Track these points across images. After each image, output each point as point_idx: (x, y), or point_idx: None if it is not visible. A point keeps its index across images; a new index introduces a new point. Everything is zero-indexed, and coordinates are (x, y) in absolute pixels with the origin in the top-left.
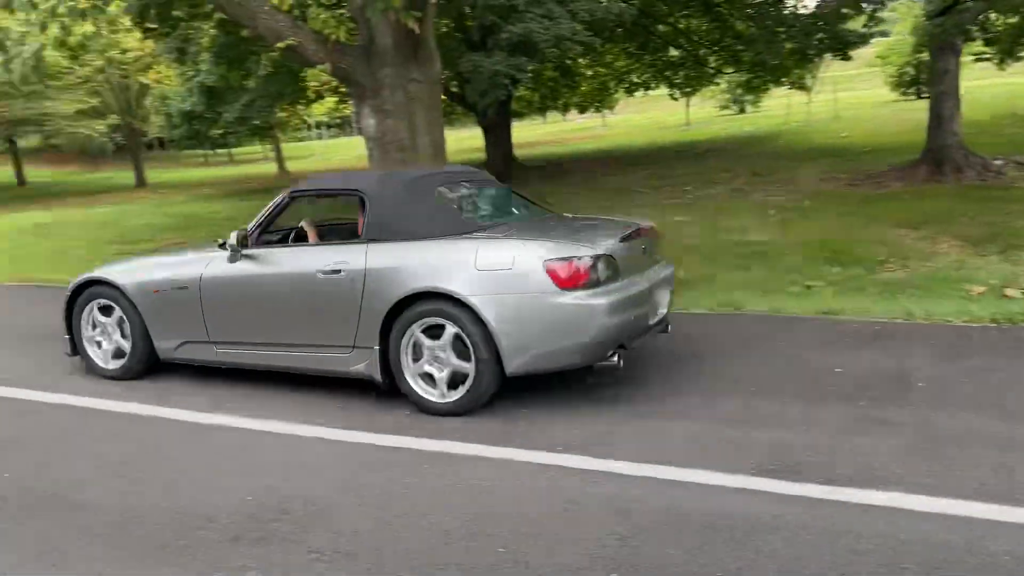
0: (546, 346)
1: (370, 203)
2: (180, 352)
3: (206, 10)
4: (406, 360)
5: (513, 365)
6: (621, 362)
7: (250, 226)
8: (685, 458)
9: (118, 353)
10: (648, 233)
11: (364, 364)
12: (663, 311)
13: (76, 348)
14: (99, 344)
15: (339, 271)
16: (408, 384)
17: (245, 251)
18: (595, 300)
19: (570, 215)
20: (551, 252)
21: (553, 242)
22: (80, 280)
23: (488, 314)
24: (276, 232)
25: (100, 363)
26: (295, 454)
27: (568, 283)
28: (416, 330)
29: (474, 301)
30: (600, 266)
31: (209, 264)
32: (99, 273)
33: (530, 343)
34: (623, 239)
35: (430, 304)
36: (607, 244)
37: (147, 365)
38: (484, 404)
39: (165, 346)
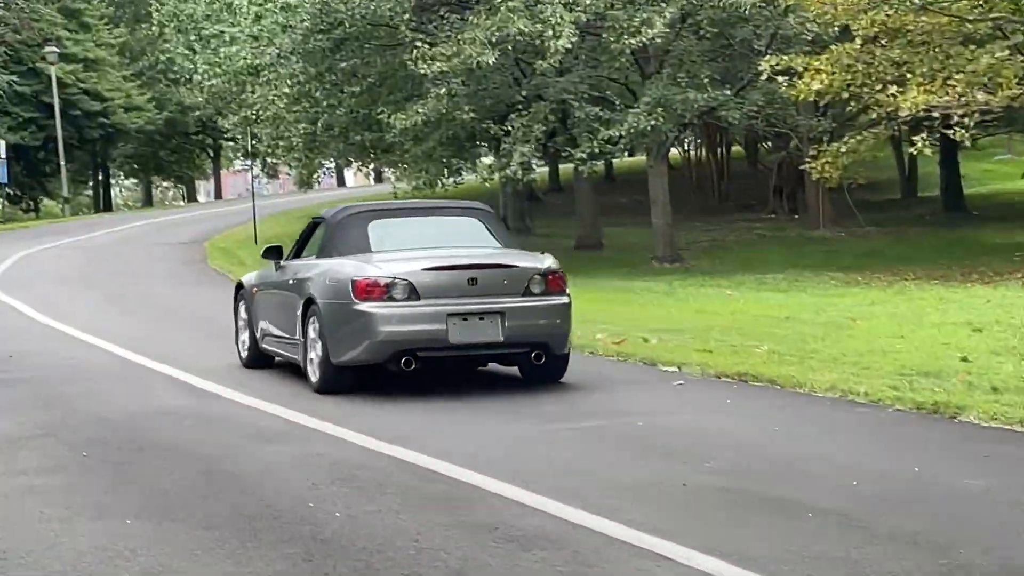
0: (351, 343)
1: (323, 230)
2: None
3: None
4: (308, 349)
5: (334, 358)
6: (413, 366)
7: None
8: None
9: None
10: (492, 267)
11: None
12: (493, 338)
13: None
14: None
15: (302, 279)
16: (305, 368)
17: (280, 263)
18: (379, 311)
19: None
20: (358, 272)
21: (369, 264)
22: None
23: (324, 315)
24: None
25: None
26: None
27: (365, 296)
28: (309, 326)
29: (320, 303)
30: (398, 285)
31: (268, 273)
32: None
33: (342, 340)
34: (427, 269)
35: (313, 306)
36: (409, 270)
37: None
38: (359, 392)
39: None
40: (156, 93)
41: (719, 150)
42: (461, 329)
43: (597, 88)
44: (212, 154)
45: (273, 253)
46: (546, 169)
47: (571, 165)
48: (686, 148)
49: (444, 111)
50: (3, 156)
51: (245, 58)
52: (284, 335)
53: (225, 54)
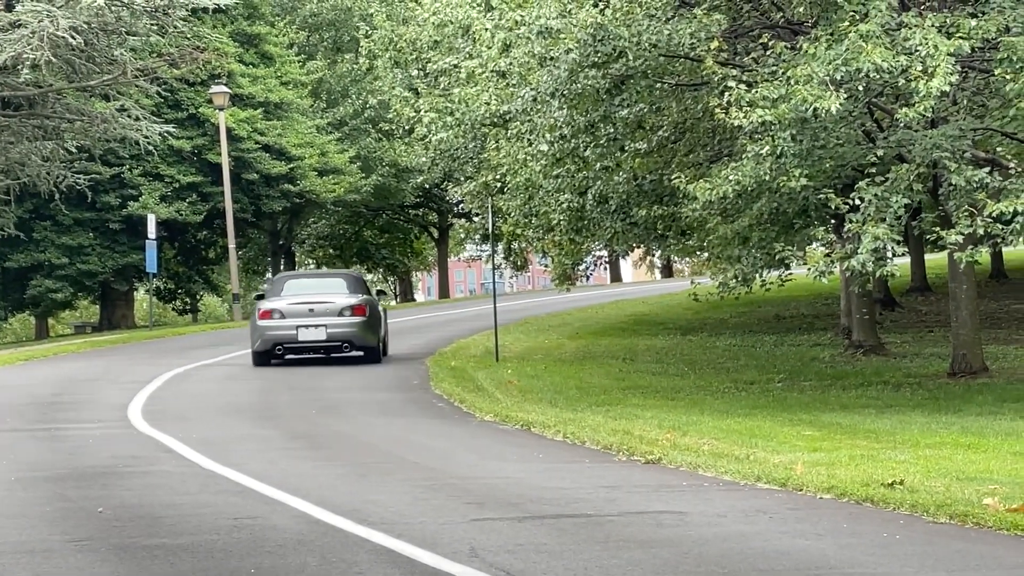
0: (256, 340)
1: (269, 285)
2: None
3: None
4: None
5: (252, 348)
6: (285, 356)
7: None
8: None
9: None
10: (321, 303)
11: None
12: (320, 338)
13: None
14: None
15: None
16: None
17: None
18: (265, 324)
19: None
20: (260, 306)
21: (266, 301)
22: None
23: (250, 326)
24: None
25: None
26: None
27: (262, 317)
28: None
29: (252, 321)
30: (276, 312)
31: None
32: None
33: (254, 339)
34: (289, 304)
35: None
36: (280, 304)
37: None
38: None
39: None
40: (362, 150)
41: None
42: (304, 333)
43: (984, 145)
44: (436, 236)
45: (261, 297)
46: (906, 260)
47: (942, 255)
48: None
49: (767, 176)
50: (152, 236)
51: (488, 103)
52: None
53: (460, 96)
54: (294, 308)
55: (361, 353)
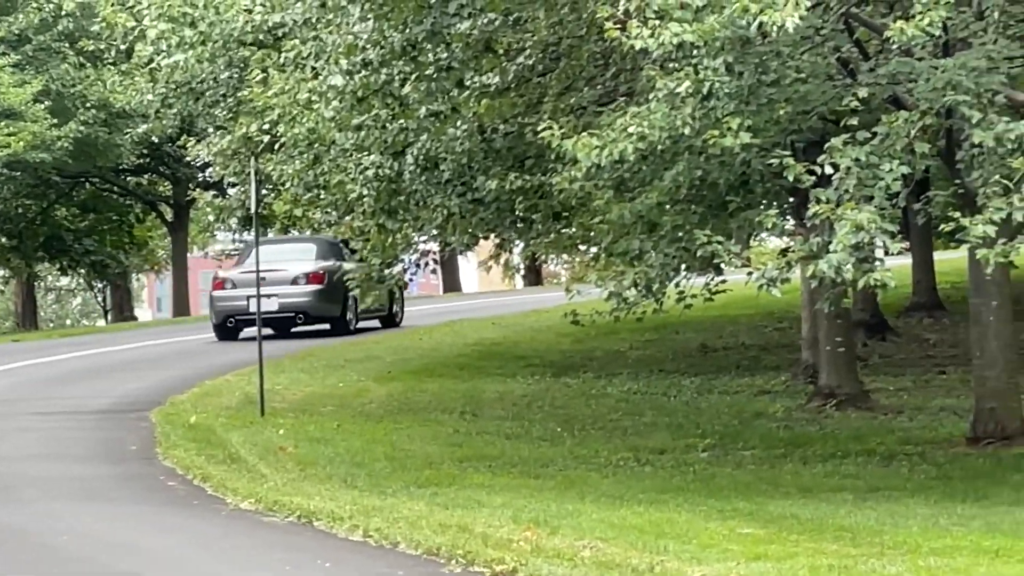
0: (212, 312)
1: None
2: None
3: None
4: None
5: (211, 321)
6: (233, 325)
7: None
8: None
9: None
10: (274, 271)
11: None
12: (272, 308)
13: None
14: None
15: None
16: None
17: None
18: (217, 295)
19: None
20: (218, 274)
21: (227, 269)
22: None
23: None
24: None
25: None
26: None
27: (215, 288)
28: None
29: None
30: (228, 282)
31: None
32: None
33: (212, 312)
34: (240, 273)
35: None
36: (232, 274)
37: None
38: None
39: None
40: (53, 83)
41: None
42: (254, 304)
43: (1022, 84)
44: (171, 218)
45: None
46: (906, 261)
47: (961, 254)
48: None
49: (686, 128)
50: None
51: (249, 8)
52: None
53: None
54: (245, 277)
55: (328, 326)
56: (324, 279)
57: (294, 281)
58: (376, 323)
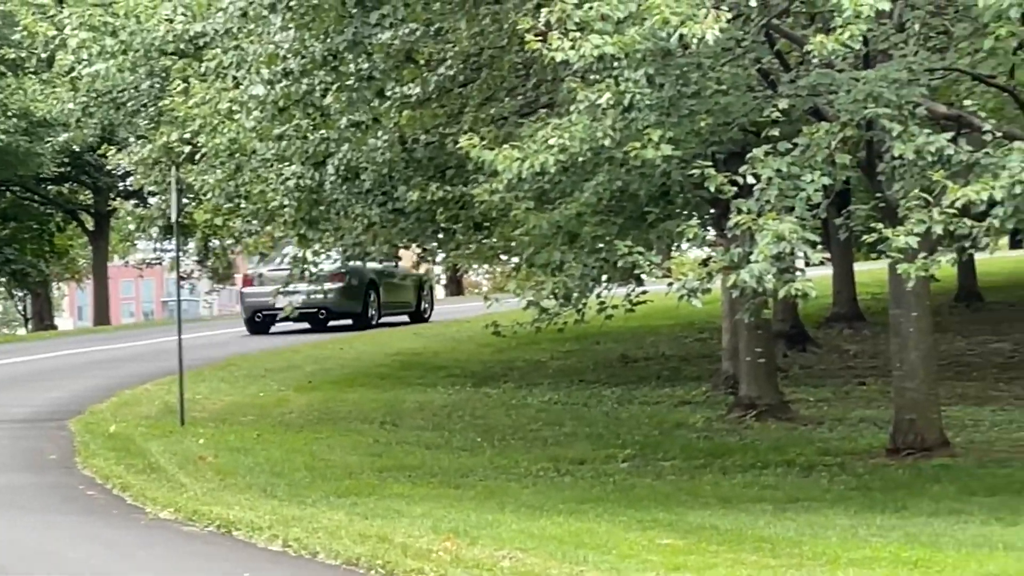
0: (242, 307)
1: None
2: None
3: None
4: None
5: (242, 316)
6: (260, 319)
7: None
8: None
9: None
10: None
11: None
12: (293, 303)
13: None
14: None
15: None
16: None
17: None
18: (246, 291)
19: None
20: (248, 271)
21: (252, 268)
22: None
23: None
24: None
25: None
26: None
27: (244, 284)
28: None
29: None
30: (257, 278)
31: None
32: None
33: (242, 307)
34: (268, 271)
35: None
36: (264, 270)
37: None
38: None
39: None
40: None
41: None
42: (281, 298)
43: (945, 95)
44: (92, 227)
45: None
46: (827, 272)
47: (883, 266)
48: None
49: (607, 140)
50: None
51: (170, 18)
52: None
53: (127, 7)
54: (273, 274)
55: (350, 321)
56: (345, 277)
57: (318, 279)
58: (405, 318)
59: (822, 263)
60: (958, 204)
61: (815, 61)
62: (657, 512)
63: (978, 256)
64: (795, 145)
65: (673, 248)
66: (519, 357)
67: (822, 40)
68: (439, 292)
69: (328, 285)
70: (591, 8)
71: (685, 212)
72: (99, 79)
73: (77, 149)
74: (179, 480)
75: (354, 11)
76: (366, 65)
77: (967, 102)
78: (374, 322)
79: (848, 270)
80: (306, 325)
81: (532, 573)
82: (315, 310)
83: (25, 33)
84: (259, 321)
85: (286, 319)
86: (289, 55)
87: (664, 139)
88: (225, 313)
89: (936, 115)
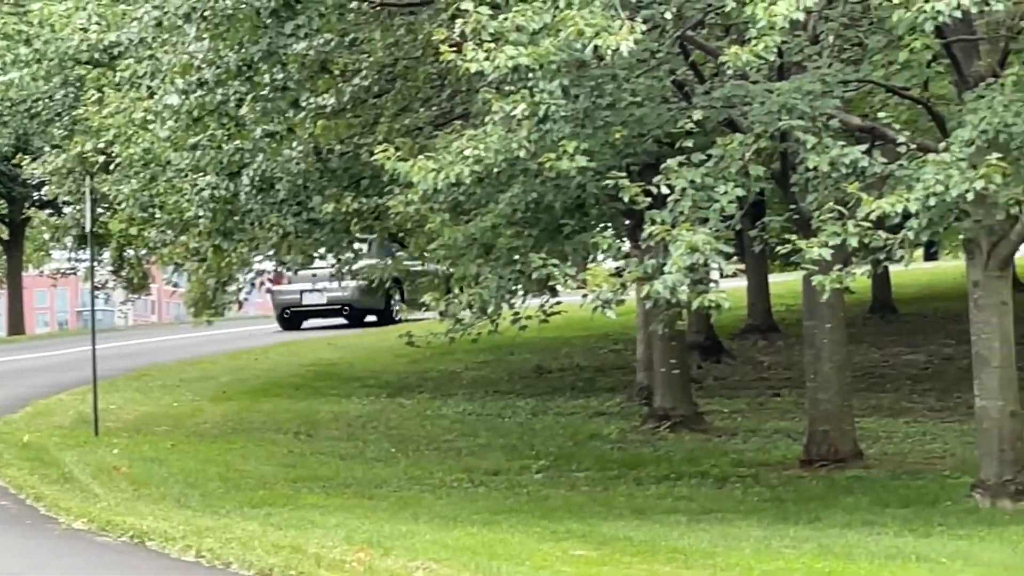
0: (274, 305)
1: None
2: None
3: None
4: None
5: (274, 312)
6: (288, 315)
7: None
8: None
9: None
10: (323, 269)
11: None
12: (321, 302)
13: None
14: None
15: None
16: None
17: None
18: (276, 289)
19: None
20: (280, 271)
21: (280, 270)
22: None
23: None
24: None
25: None
26: None
27: (275, 283)
28: None
29: None
30: (286, 278)
31: None
32: None
33: (273, 305)
34: (295, 271)
35: None
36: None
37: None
38: None
39: None
40: None
41: None
42: (307, 297)
43: (860, 107)
44: (6, 237)
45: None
46: (741, 283)
47: (797, 277)
48: None
49: (522, 151)
50: None
51: (85, 28)
52: None
53: (41, 15)
54: (301, 274)
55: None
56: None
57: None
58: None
59: (736, 275)
60: (873, 216)
61: (729, 73)
62: (571, 523)
63: (892, 268)
64: (709, 156)
65: (588, 260)
66: (433, 368)
67: (736, 52)
68: None
69: (351, 282)
70: (506, 19)
71: (600, 224)
72: (13, 88)
73: None
74: (93, 490)
75: (269, 21)
76: (281, 75)
77: (881, 114)
78: (396, 318)
79: (763, 282)
80: (340, 320)
81: None
82: (339, 307)
83: None
84: (287, 317)
85: (316, 315)
86: (204, 65)
87: (579, 150)
88: (140, 323)
89: (850, 127)
